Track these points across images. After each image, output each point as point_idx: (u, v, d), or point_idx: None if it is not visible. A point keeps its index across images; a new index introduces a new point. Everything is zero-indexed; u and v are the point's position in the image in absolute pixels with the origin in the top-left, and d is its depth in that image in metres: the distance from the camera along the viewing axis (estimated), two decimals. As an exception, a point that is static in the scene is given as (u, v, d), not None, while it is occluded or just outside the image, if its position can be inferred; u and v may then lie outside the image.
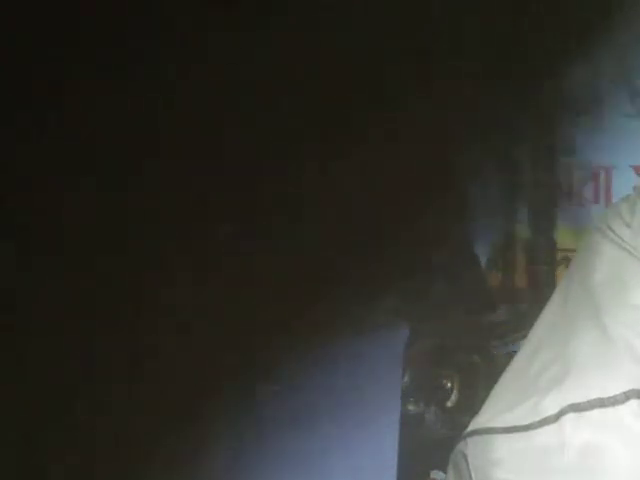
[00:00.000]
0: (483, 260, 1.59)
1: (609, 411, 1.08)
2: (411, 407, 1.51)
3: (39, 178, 1.30)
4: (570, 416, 1.09)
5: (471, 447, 1.16)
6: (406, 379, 1.50)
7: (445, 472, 1.23)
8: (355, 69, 1.42)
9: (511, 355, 1.26)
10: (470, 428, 1.18)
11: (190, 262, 1.39)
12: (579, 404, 1.09)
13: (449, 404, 1.50)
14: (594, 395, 1.09)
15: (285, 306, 1.42)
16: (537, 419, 1.10)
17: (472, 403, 1.28)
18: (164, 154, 1.37)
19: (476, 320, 1.55)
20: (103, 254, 1.34)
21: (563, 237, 1.57)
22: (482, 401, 1.21)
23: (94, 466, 1.32)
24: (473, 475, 1.15)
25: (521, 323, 1.46)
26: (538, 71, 1.49)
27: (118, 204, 1.35)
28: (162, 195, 1.36)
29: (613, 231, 1.21)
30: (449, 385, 1.51)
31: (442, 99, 1.47)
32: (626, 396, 1.07)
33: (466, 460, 1.16)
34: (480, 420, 1.18)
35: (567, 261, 1.49)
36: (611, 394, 1.08)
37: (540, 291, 1.52)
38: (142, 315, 1.36)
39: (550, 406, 1.10)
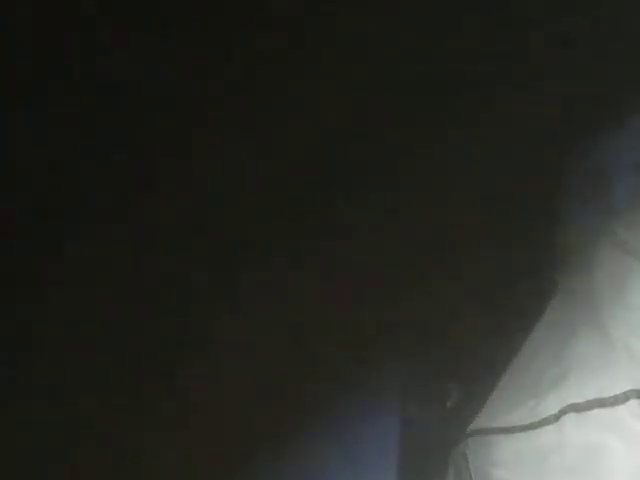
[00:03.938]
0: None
1: (609, 411, 1.08)
2: (411, 407, 1.51)
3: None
4: (570, 416, 1.09)
5: (471, 447, 1.16)
6: (406, 379, 1.50)
7: (445, 472, 1.23)
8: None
9: (512, 355, 1.26)
10: (471, 428, 1.19)
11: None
12: (579, 404, 1.09)
13: (449, 404, 1.50)
14: (594, 395, 1.09)
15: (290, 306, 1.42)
16: (537, 419, 1.11)
17: (472, 403, 1.28)
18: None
19: (476, 320, 1.55)
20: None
21: (563, 238, 1.57)
22: (483, 401, 1.21)
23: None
24: (473, 475, 1.15)
25: (521, 323, 1.46)
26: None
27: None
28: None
29: (613, 232, 1.21)
30: (449, 385, 1.50)
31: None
32: (626, 396, 1.08)
33: (466, 460, 1.17)
34: (481, 420, 1.19)
35: (567, 262, 1.49)
36: (611, 394, 1.09)
37: (540, 292, 1.52)
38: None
39: (550, 406, 1.10)
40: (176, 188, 1.37)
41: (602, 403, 1.08)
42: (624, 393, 1.08)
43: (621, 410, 1.07)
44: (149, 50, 1.33)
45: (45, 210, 1.32)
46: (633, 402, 1.07)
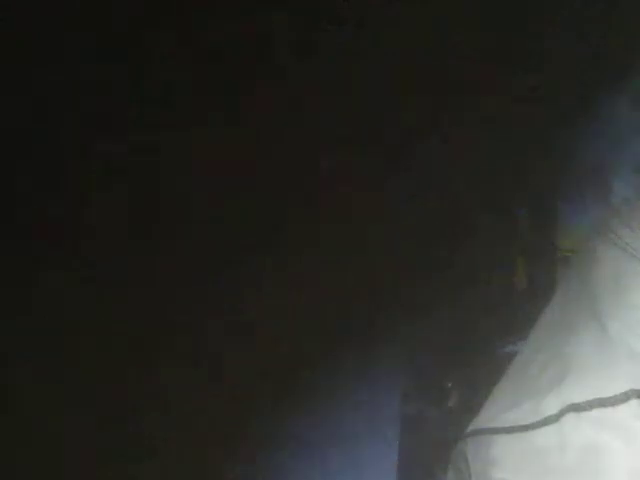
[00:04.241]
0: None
1: (609, 411, 1.08)
2: (411, 407, 1.51)
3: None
4: (570, 416, 1.09)
5: (471, 447, 1.16)
6: (406, 379, 1.50)
7: (445, 472, 1.23)
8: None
9: (512, 355, 1.26)
10: (471, 428, 1.19)
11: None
12: (579, 404, 1.09)
13: (449, 404, 1.50)
14: (594, 395, 1.09)
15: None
16: (537, 419, 1.10)
17: (472, 403, 1.28)
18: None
19: (477, 320, 1.55)
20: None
21: (563, 237, 1.57)
22: (483, 401, 1.21)
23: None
24: (473, 475, 1.15)
25: (521, 323, 1.46)
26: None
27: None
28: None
29: (613, 232, 1.21)
30: (449, 385, 1.51)
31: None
32: (626, 396, 1.07)
33: (466, 460, 1.16)
34: (481, 420, 1.18)
35: (567, 262, 1.49)
36: (611, 394, 1.09)
37: (540, 292, 1.52)
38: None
39: (550, 406, 1.10)
40: (176, 187, 1.37)
41: (602, 403, 1.08)
42: (624, 393, 1.08)
43: (621, 410, 1.07)
44: (148, 50, 1.33)
45: (44, 210, 1.33)
46: (633, 402, 1.07)
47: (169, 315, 1.35)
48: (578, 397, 1.09)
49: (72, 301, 1.32)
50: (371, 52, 1.43)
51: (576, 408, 1.09)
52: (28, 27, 1.26)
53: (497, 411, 1.16)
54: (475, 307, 1.55)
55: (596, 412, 1.08)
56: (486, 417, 1.17)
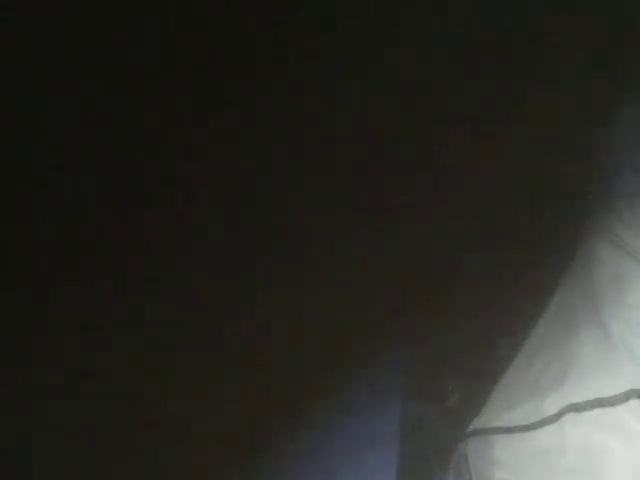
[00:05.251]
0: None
1: (609, 411, 1.08)
2: (411, 407, 1.51)
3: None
4: (570, 416, 1.09)
5: (472, 447, 1.16)
6: (406, 379, 1.50)
7: (446, 472, 1.23)
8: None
9: (512, 355, 1.26)
10: (471, 428, 1.19)
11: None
12: (579, 404, 1.09)
13: (449, 404, 1.50)
14: (594, 395, 1.09)
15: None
16: (538, 419, 1.11)
17: (472, 403, 1.28)
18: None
19: (477, 320, 1.55)
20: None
21: (565, 238, 1.57)
22: (483, 401, 1.21)
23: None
24: (473, 475, 1.15)
25: (522, 323, 1.46)
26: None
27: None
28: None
29: (614, 233, 1.21)
30: (449, 385, 1.50)
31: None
32: (626, 396, 1.08)
33: (466, 460, 1.17)
34: (481, 420, 1.19)
35: (568, 262, 1.49)
36: (611, 394, 1.09)
37: (541, 292, 1.52)
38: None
39: (551, 406, 1.10)
40: (176, 189, 1.37)
41: (602, 403, 1.08)
42: (624, 393, 1.08)
43: (621, 410, 1.07)
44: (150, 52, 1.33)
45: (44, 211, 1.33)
46: (633, 402, 1.07)
47: (171, 315, 1.36)
48: (578, 397, 1.09)
49: (72, 301, 1.32)
50: (371, 52, 1.43)
51: (576, 408, 1.09)
52: (28, 27, 1.26)
53: (498, 411, 1.16)
54: (475, 307, 1.55)
55: (596, 412, 1.08)
56: (487, 417, 1.18)
